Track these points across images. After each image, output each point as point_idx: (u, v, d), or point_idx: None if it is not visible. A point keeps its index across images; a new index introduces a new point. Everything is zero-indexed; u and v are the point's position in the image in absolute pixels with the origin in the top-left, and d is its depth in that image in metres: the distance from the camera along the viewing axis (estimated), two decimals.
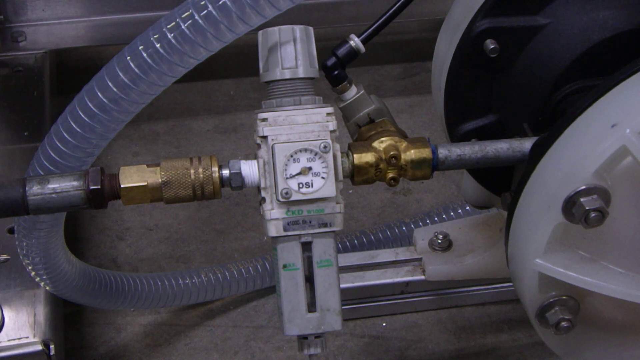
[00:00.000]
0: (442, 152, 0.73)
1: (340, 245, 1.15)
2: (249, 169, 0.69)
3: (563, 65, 0.78)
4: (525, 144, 0.73)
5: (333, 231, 0.70)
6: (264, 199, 0.69)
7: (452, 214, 1.18)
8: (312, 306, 0.71)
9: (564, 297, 0.71)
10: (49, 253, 0.84)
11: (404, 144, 0.73)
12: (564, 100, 0.79)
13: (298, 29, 0.70)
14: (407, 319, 1.13)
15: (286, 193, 0.68)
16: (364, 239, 1.16)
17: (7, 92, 1.33)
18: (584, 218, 0.65)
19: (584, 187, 0.65)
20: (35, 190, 0.66)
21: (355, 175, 0.72)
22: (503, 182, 0.82)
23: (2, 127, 1.27)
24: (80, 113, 0.69)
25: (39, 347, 0.94)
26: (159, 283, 1.03)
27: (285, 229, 0.69)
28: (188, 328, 1.12)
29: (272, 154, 0.68)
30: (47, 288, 0.90)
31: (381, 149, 0.72)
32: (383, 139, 0.73)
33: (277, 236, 0.69)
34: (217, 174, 0.69)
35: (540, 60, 0.79)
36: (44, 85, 1.35)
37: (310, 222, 0.69)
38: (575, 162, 0.66)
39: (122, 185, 0.68)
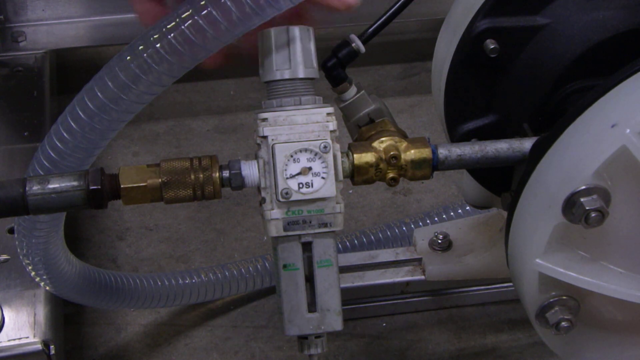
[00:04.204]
0: (442, 152, 0.73)
1: (340, 245, 1.15)
2: (249, 169, 0.69)
3: (563, 65, 0.78)
4: (525, 144, 0.73)
5: (333, 231, 0.70)
6: (264, 199, 0.69)
7: (452, 214, 1.18)
8: (312, 306, 0.71)
9: (564, 297, 0.71)
10: (49, 253, 0.84)
11: (404, 144, 0.73)
12: (564, 100, 0.79)
13: (298, 29, 0.70)
14: (407, 319, 1.13)
15: (286, 193, 0.68)
16: (364, 239, 1.16)
17: (7, 92, 1.33)
18: (584, 218, 0.65)
19: (584, 187, 0.65)
20: (35, 190, 0.66)
21: (355, 175, 0.72)
22: (503, 182, 0.82)
23: (2, 127, 1.27)
24: (80, 113, 0.69)
25: (39, 347, 0.94)
26: (159, 283, 1.03)
27: (285, 229, 0.69)
28: (188, 328, 1.12)
29: (272, 154, 0.68)
30: (47, 288, 0.90)
31: (381, 149, 0.72)
32: (383, 139, 0.73)
33: (277, 236, 0.69)
34: (217, 174, 0.69)
35: (540, 60, 0.79)
36: (44, 85, 1.35)
37: (310, 222, 0.69)
38: (575, 162, 0.66)
39: (122, 185, 0.68)
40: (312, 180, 0.68)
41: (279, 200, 0.68)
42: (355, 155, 0.71)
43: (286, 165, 0.68)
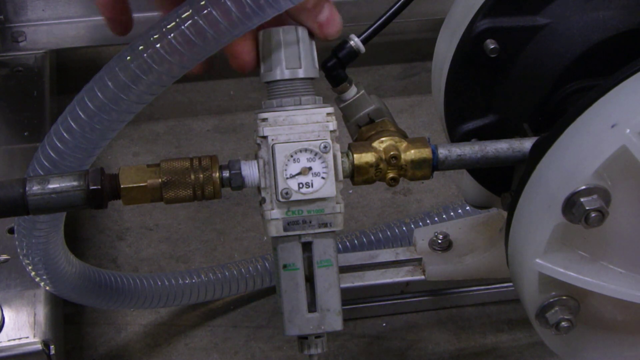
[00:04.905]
0: (442, 152, 0.73)
1: (340, 245, 1.15)
2: (249, 169, 0.69)
3: (563, 65, 0.78)
4: (525, 144, 0.73)
5: (333, 231, 0.70)
6: (264, 199, 0.69)
7: (452, 214, 1.18)
8: (312, 306, 0.71)
9: (564, 297, 0.71)
10: (49, 253, 0.84)
11: (404, 144, 0.73)
12: (564, 100, 0.79)
13: (298, 29, 0.71)
14: (407, 319, 1.13)
15: (286, 193, 0.68)
16: (364, 239, 1.16)
17: (7, 92, 1.33)
18: (584, 218, 0.65)
19: (584, 187, 0.65)
20: (35, 190, 0.66)
21: (355, 175, 0.72)
22: (503, 182, 0.82)
23: (2, 127, 1.27)
24: (80, 113, 0.69)
25: (39, 347, 0.94)
26: (159, 283, 1.03)
27: (285, 229, 0.69)
28: (188, 328, 1.12)
29: (272, 154, 0.68)
30: (47, 288, 0.90)
31: (381, 149, 0.72)
32: (383, 139, 0.73)
33: (277, 236, 0.69)
34: (217, 174, 0.69)
35: (540, 60, 0.79)
36: (44, 85, 1.35)
37: (310, 222, 0.69)
38: (575, 162, 0.66)
39: (122, 185, 0.68)
40: (312, 180, 0.68)
41: (279, 200, 0.68)
42: (355, 155, 0.71)
43: (286, 165, 0.68)
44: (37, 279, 0.88)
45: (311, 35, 0.72)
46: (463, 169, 0.81)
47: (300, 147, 0.68)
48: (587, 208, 0.64)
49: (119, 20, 0.76)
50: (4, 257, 1.03)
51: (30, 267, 0.85)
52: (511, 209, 0.72)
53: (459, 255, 1.06)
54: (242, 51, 0.71)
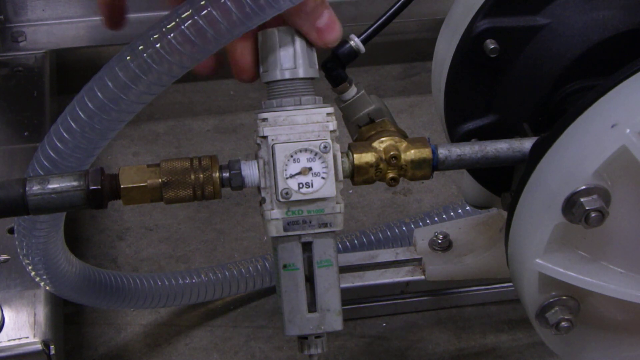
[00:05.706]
0: (442, 152, 0.73)
1: (340, 245, 1.15)
2: (249, 169, 0.69)
3: (563, 65, 0.78)
4: (525, 144, 0.73)
5: (333, 231, 0.70)
6: (264, 199, 0.69)
7: (452, 214, 1.18)
8: (312, 306, 0.71)
9: (564, 297, 0.71)
10: (49, 253, 0.84)
11: (404, 144, 0.73)
12: (564, 100, 0.79)
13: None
14: (407, 319, 1.13)
15: (286, 193, 0.68)
16: (364, 239, 1.16)
17: (7, 92, 1.33)
18: (584, 218, 0.64)
19: (584, 187, 0.65)
20: (35, 190, 0.66)
21: (355, 175, 0.72)
22: (503, 182, 0.82)
23: (2, 127, 1.27)
24: (80, 113, 0.69)
25: (39, 347, 0.94)
26: (159, 283, 1.03)
27: (285, 229, 0.69)
28: (188, 328, 1.12)
29: (272, 154, 0.68)
30: (47, 288, 0.90)
31: (381, 149, 0.72)
32: (383, 139, 0.73)
33: (277, 236, 0.69)
34: (217, 174, 0.69)
35: (540, 60, 0.79)
36: (44, 85, 1.35)
37: (310, 222, 0.69)
38: (575, 162, 0.66)
39: (122, 186, 0.68)
40: (312, 180, 0.68)
41: (279, 200, 0.68)
42: (355, 155, 0.71)
43: (286, 165, 0.68)
44: (37, 279, 0.88)
45: (309, 42, 0.71)
46: (463, 169, 0.81)
47: (300, 147, 0.68)
48: (587, 208, 0.64)
49: (114, 18, 0.76)
50: (4, 257, 1.03)
51: (30, 267, 0.85)
52: (511, 209, 0.72)
53: (459, 255, 1.06)
54: (242, 59, 0.71)
